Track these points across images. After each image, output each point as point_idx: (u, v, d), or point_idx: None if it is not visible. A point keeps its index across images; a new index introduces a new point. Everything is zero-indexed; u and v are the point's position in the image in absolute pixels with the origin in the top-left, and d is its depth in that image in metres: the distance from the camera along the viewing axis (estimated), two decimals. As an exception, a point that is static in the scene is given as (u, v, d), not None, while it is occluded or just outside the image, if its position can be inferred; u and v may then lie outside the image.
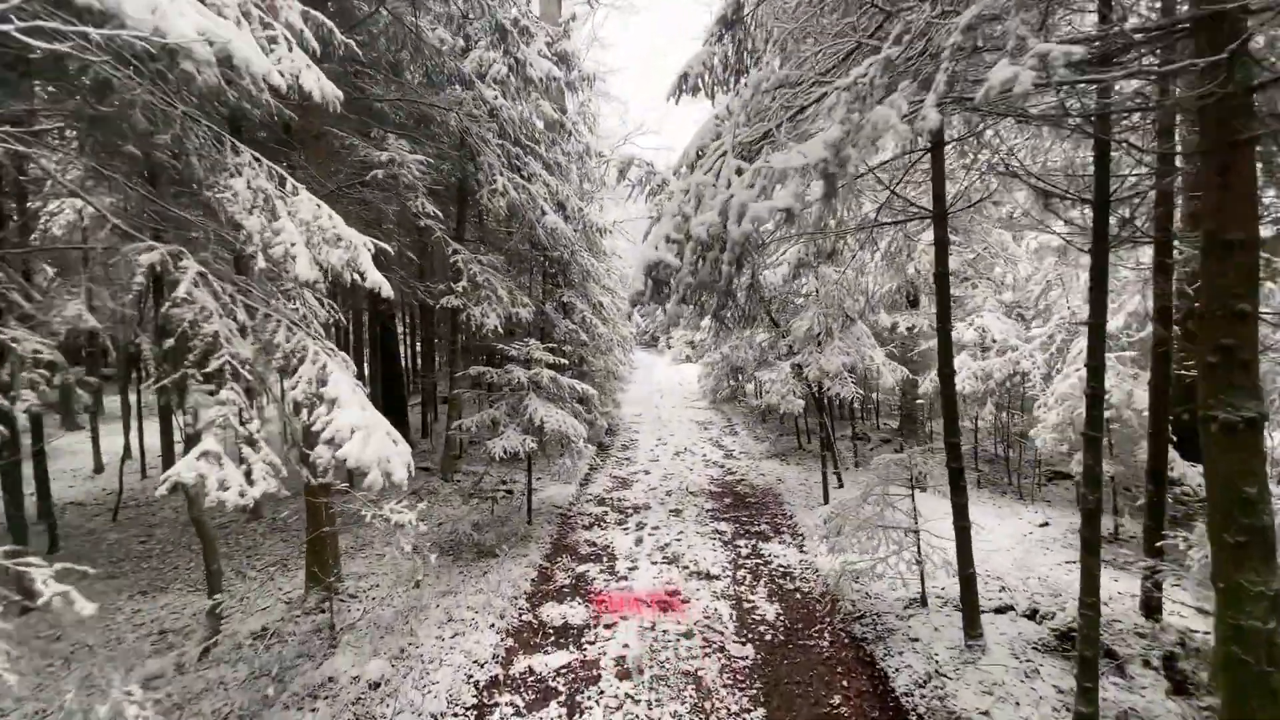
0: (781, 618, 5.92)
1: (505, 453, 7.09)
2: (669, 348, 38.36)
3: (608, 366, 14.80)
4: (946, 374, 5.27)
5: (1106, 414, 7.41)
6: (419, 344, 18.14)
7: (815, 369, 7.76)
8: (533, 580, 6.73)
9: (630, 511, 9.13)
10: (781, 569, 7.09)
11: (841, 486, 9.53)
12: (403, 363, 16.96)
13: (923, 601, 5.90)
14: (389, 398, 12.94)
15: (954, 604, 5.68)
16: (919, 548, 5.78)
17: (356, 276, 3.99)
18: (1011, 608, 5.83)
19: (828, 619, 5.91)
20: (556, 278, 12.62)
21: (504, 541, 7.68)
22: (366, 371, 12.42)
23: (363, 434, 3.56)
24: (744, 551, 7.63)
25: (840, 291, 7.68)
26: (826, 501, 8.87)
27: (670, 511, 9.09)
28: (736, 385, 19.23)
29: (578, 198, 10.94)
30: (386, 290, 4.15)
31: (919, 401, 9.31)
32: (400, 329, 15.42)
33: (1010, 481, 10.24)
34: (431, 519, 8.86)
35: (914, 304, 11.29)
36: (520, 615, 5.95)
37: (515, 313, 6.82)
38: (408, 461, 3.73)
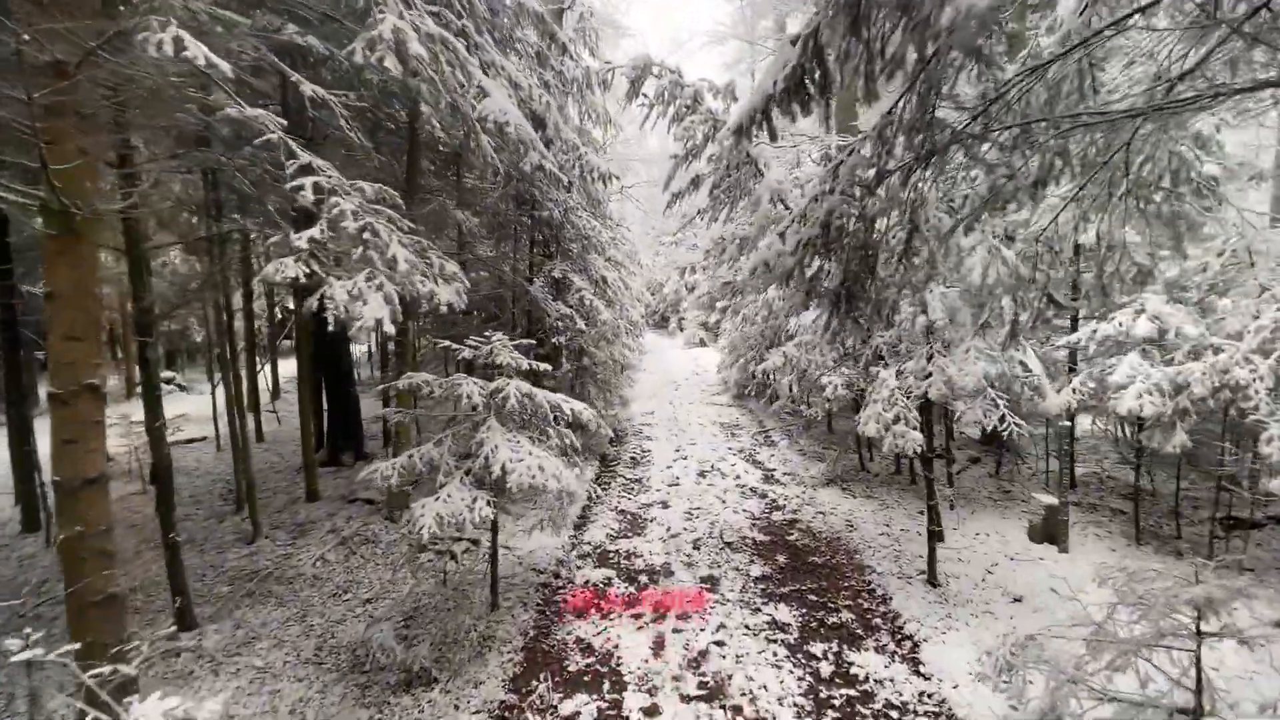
0: None
1: (442, 525, 4.25)
2: (680, 329, 35.36)
3: (613, 357, 11.92)
4: None
5: None
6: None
7: (939, 382, 4.88)
8: (481, 753, 3.98)
9: (644, 578, 6.33)
10: (891, 711, 4.28)
11: (942, 539, 6.67)
12: (368, 355, 14.09)
13: None
14: (337, 401, 10.13)
15: None
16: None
17: None
18: None
19: None
20: (548, 246, 9.67)
21: (449, 651, 4.90)
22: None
23: None
24: (824, 669, 4.82)
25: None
26: (933, 579, 6.01)
27: (701, 580, 6.27)
28: (765, 378, 16.34)
29: (575, 133, 7.95)
30: None
31: (1063, 423, 6.41)
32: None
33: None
34: (350, 597, 6.08)
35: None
36: None
37: (428, 291, 3.95)
38: None
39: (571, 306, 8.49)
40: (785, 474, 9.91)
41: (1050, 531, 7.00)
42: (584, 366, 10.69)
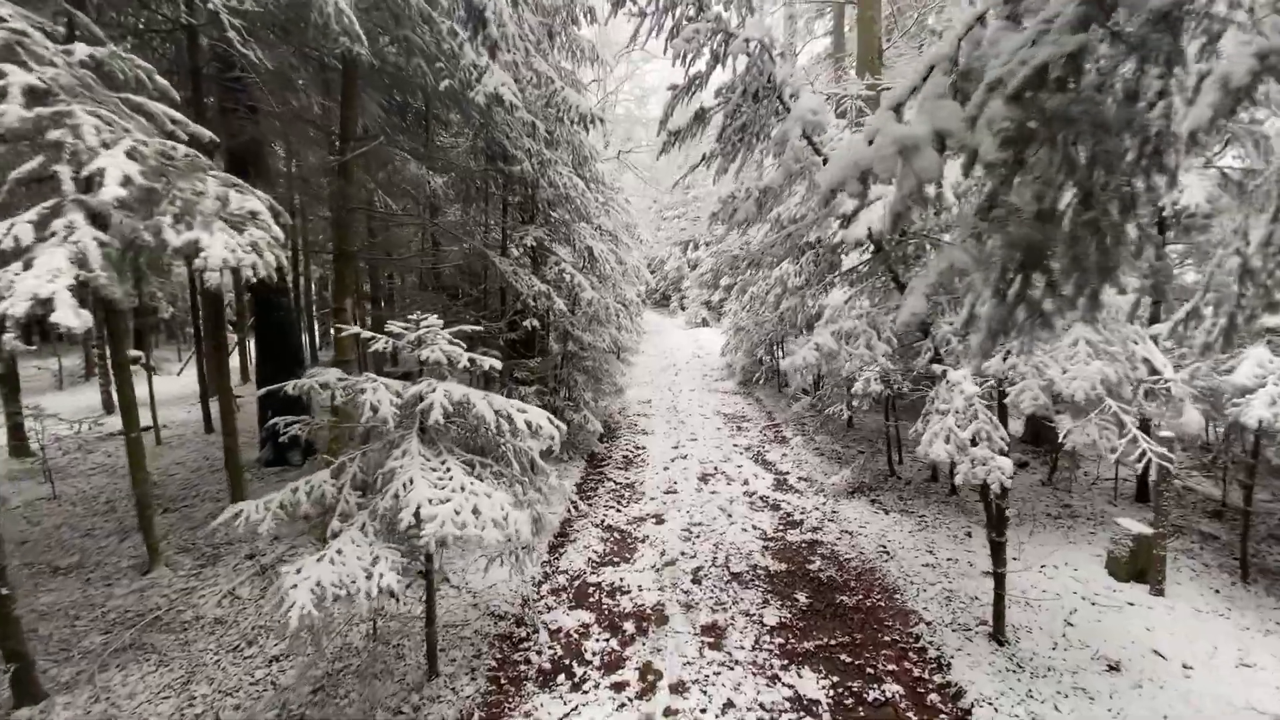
0: None
1: (324, 602, 2.87)
2: (682, 308, 33.85)
3: (605, 341, 10.48)
4: None
5: None
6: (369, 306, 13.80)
7: (1035, 389, 3.46)
8: None
9: (630, 626, 5.00)
10: None
11: (1000, 566, 5.28)
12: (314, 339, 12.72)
13: None
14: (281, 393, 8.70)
15: None
16: None
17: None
18: None
19: None
20: (525, 211, 8.15)
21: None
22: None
23: None
24: (871, 781, 3.49)
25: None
26: (1000, 634, 4.66)
27: (703, 630, 4.94)
28: (772, 363, 14.91)
29: (553, 70, 6.37)
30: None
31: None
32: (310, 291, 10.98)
33: None
34: (255, 652, 4.74)
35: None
36: None
37: (183, 243, 2.54)
38: None
39: (549, 282, 7.02)
40: (801, 479, 8.54)
41: (1139, 567, 5.64)
42: (570, 352, 9.26)
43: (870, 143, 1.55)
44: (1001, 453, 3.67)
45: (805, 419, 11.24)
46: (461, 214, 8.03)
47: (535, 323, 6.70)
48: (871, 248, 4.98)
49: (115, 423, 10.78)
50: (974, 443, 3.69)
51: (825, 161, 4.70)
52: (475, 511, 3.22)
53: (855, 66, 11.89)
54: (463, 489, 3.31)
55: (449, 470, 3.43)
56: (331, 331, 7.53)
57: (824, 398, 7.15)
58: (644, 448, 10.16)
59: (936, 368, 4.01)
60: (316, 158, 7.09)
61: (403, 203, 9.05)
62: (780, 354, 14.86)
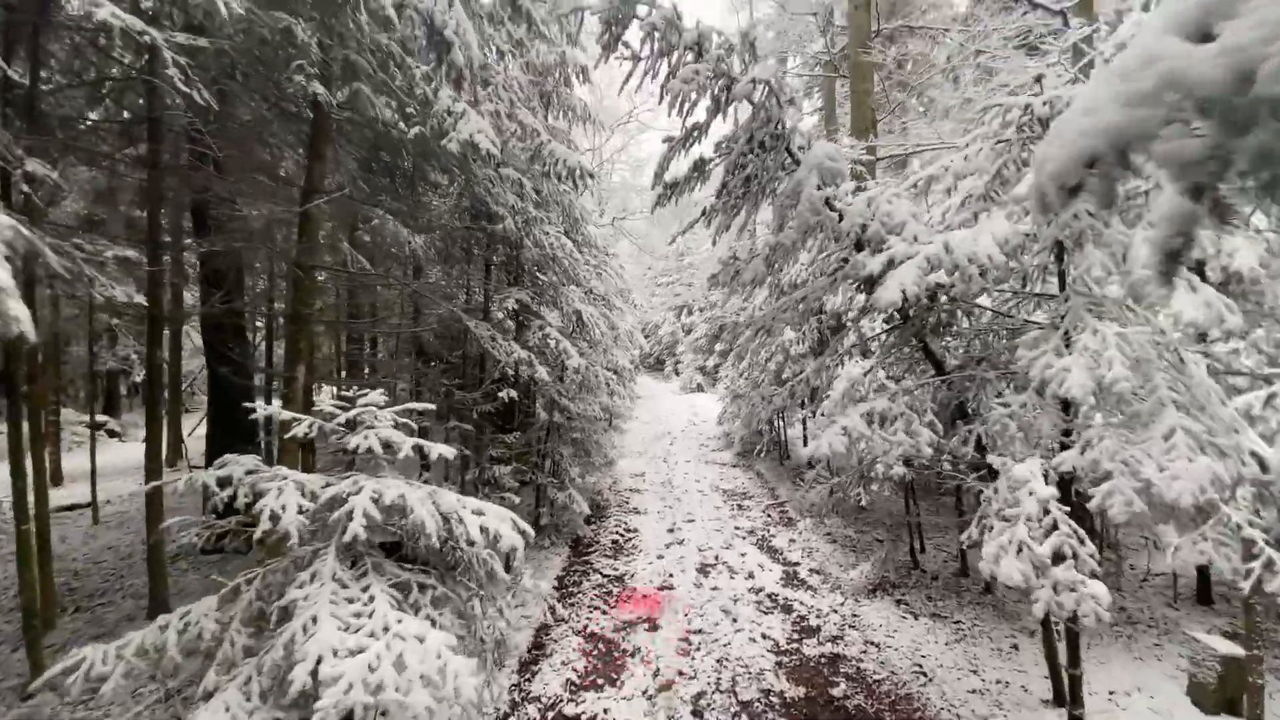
0: None
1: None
2: (676, 373, 33.28)
3: (599, 410, 9.69)
4: None
5: None
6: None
7: (1127, 491, 2.72)
8: None
9: (615, 788, 3.94)
10: None
11: (1079, 707, 4.27)
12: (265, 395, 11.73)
13: None
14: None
15: None
16: None
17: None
18: None
19: None
20: (511, 272, 7.59)
21: None
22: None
23: None
24: None
25: None
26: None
27: (708, 792, 3.88)
28: (773, 434, 14.10)
29: (541, 125, 5.97)
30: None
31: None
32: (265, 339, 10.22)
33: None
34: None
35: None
36: None
37: None
38: None
39: (531, 348, 6.34)
40: (813, 571, 7.55)
41: (1229, 696, 4.66)
42: (556, 423, 8.46)
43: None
44: (1093, 575, 2.86)
45: (812, 499, 10.31)
46: (443, 275, 7.47)
47: (514, 394, 5.95)
48: (897, 316, 4.35)
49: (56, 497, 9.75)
50: (1055, 560, 2.88)
51: (841, 218, 4.14)
52: (400, 664, 2.35)
53: (850, 135, 11.86)
54: (386, 629, 2.44)
55: (371, 600, 2.57)
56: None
57: (843, 485, 6.31)
58: (636, 530, 9.16)
59: (995, 460, 3.26)
60: (283, 210, 6.57)
61: (385, 264, 8.52)
62: (782, 424, 14.08)
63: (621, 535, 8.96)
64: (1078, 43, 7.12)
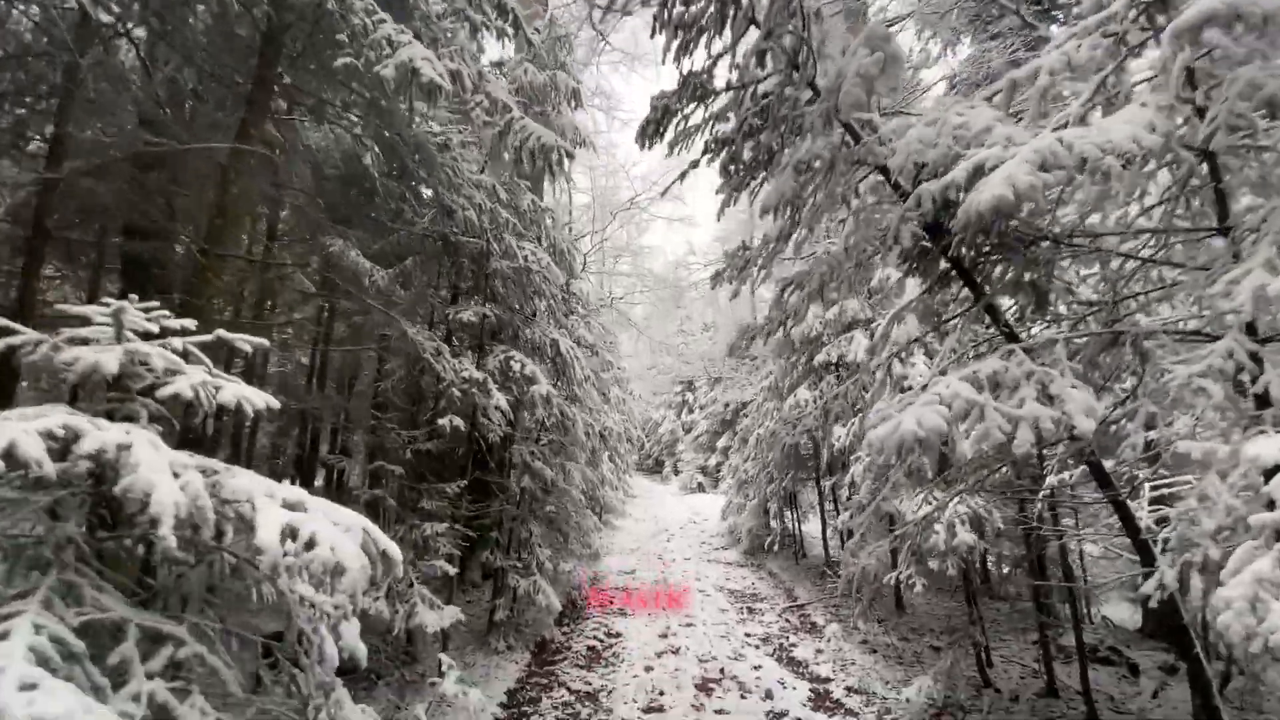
0: None
1: None
2: (676, 472, 31.31)
3: (581, 480, 8.12)
4: None
5: None
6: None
7: None
8: None
9: None
10: None
11: None
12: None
13: None
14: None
15: None
16: None
17: None
18: None
19: None
20: (484, 292, 6.46)
21: None
22: None
23: None
24: None
25: None
26: None
27: None
28: (784, 528, 12.27)
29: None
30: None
31: None
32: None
33: None
34: None
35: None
36: None
37: None
38: None
39: (490, 371, 5.04)
40: (851, 690, 5.65)
41: None
42: (525, 490, 6.92)
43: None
44: None
45: (833, 600, 8.42)
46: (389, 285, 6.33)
47: (459, 421, 4.57)
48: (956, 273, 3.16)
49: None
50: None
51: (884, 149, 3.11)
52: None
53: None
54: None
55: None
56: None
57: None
58: (619, 635, 7.24)
59: (1191, 446, 1.93)
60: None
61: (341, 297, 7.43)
62: (796, 516, 12.30)
63: (601, 640, 7.04)
64: None
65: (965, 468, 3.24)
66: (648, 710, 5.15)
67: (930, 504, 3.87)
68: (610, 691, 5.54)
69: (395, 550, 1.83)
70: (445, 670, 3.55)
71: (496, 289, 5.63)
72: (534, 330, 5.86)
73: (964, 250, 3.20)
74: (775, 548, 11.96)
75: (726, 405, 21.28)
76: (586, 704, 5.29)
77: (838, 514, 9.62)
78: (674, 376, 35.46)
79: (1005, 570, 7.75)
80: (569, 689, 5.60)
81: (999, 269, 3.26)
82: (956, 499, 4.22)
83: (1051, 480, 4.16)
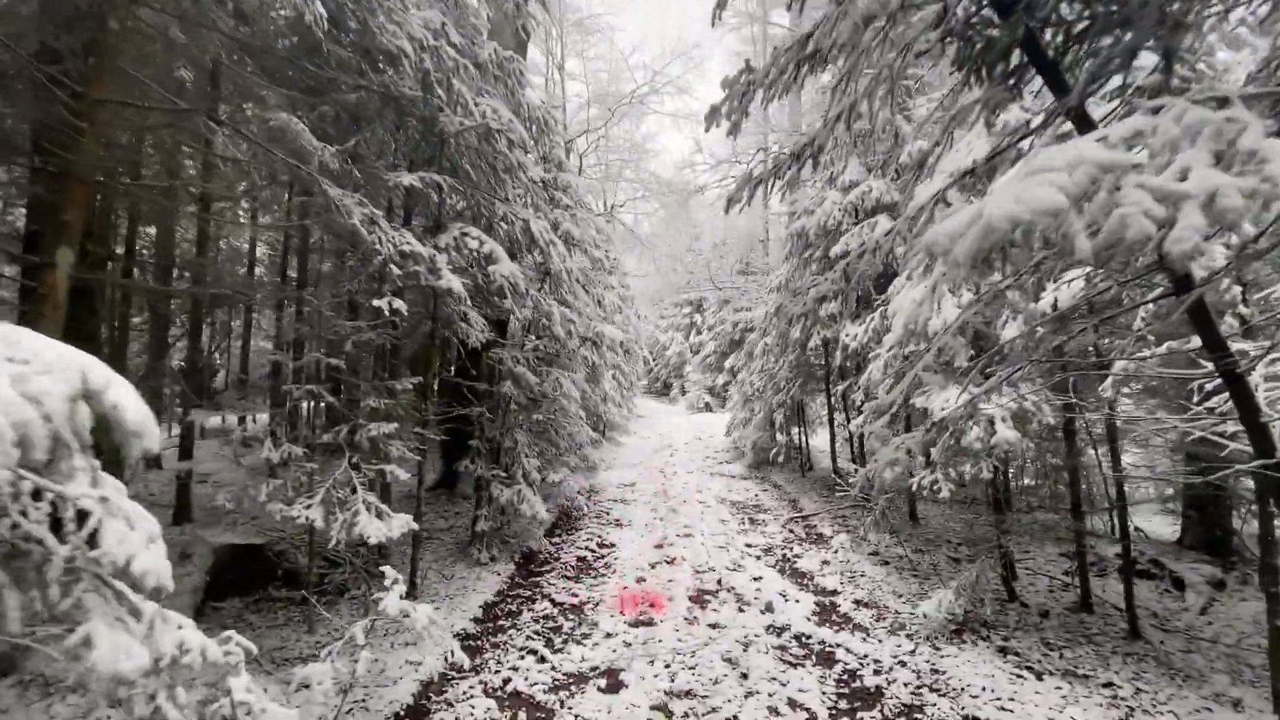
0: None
1: None
2: (683, 394, 31.06)
3: (571, 386, 7.50)
4: None
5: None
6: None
7: None
8: None
9: None
10: None
11: None
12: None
13: None
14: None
15: None
16: None
17: None
18: None
19: None
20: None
21: None
22: None
23: None
24: None
25: None
26: None
27: None
28: (789, 443, 11.77)
29: None
30: None
31: None
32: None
33: None
34: None
35: None
36: None
37: None
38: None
39: (444, 249, 4.24)
40: (860, 604, 5.20)
41: None
42: (505, 395, 6.31)
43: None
44: None
45: (842, 509, 7.96)
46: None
47: (400, 304, 3.85)
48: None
49: None
50: None
51: None
52: None
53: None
54: None
55: None
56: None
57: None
58: (612, 545, 6.86)
59: None
60: None
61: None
62: (803, 430, 11.79)
63: (592, 551, 6.66)
64: None
65: (1044, 327, 2.44)
66: (635, 624, 4.74)
67: (973, 391, 3.13)
68: (596, 604, 5.13)
69: (136, 414, 1.14)
70: (391, 585, 3.06)
71: (457, 162, 4.69)
72: (502, 209, 4.97)
73: (1047, 34, 2.26)
74: (780, 460, 11.55)
75: (735, 325, 20.48)
76: (570, 616, 4.89)
77: (848, 421, 9.03)
78: (683, 299, 34.39)
79: (1026, 481, 7.17)
80: (553, 601, 5.21)
81: (1089, 62, 2.33)
82: (1000, 389, 3.47)
83: (1122, 364, 3.38)
